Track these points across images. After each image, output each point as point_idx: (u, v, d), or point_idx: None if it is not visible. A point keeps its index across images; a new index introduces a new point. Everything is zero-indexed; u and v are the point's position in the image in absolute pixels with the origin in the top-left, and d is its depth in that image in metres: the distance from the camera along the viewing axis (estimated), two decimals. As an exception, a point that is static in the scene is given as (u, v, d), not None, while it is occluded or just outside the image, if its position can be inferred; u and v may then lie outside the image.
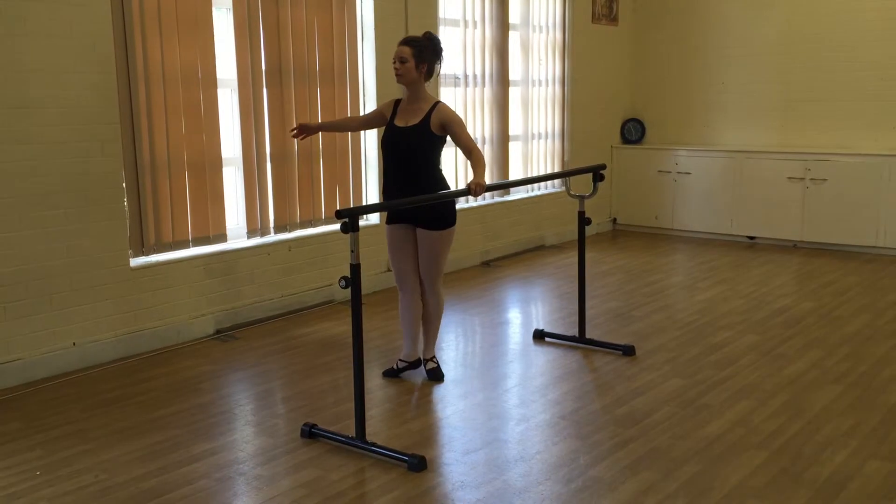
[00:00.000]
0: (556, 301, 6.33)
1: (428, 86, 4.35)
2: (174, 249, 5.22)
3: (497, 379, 4.61)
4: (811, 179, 7.93)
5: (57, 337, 4.64)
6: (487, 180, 4.22)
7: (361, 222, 3.67)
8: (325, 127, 5.02)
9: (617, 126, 9.27)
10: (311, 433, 3.76)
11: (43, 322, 4.58)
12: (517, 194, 8.04)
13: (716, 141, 8.83)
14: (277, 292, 5.80)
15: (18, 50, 4.37)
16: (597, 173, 4.92)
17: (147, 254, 5.10)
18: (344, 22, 6.09)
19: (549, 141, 8.35)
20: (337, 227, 5.43)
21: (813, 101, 8.20)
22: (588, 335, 5.09)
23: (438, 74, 4.44)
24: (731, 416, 3.97)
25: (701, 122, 8.92)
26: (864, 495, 3.21)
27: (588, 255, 5.30)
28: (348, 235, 3.50)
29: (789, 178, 8.03)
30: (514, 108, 7.92)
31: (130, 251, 4.98)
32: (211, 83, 5.29)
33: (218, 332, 5.41)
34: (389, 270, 4.53)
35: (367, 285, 5.68)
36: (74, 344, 4.72)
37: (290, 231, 5.90)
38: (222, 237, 5.49)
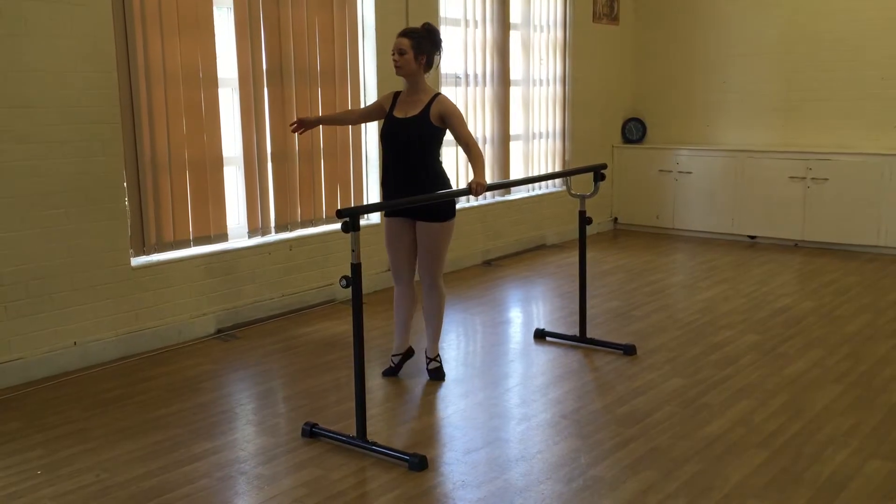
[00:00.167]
0: (556, 300, 6.33)
1: (428, 79, 4.34)
2: (175, 249, 5.23)
3: (498, 378, 4.61)
4: (812, 179, 7.93)
5: (58, 336, 4.64)
6: (488, 180, 4.21)
7: (362, 221, 3.66)
8: (325, 120, 4.98)
9: (618, 125, 9.26)
10: (311, 432, 3.76)
11: (44, 321, 4.58)
12: (518, 194, 8.04)
13: (717, 140, 8.83)
14: (278, 292, 5.80)
15: (19, 50, 4.37)
16: (598, 173, 4.92)
17: (148, 253, 5.10)
18: (345, 21, 6.09)
19: (550, 140, 8.35)
20: (338, 226, 5.44)
21: (814, 100, 8.19)
22: (589, 334, 5.09)
23: (438, 66, 4.42)
24: (732, 416, 3.97)
25: (702, 121, 8.92)
26: (864, 495, 3.21)
27: (589, 255, 5.30)
28: (349, 235, 3.50)
29: (790, 177, 8.02)
30: (515, 107, 7.93)
31: (131, 250, 4.98)
32: (212, 82, 5.29)
33: (219, 331, 5.41)
34: (389, 270, 4.53)
35: (367, 285, 5.67)
36: (75, 343, 4.72)
37: (290, 230, 5.90)
38: (223, 236, 5.49)
